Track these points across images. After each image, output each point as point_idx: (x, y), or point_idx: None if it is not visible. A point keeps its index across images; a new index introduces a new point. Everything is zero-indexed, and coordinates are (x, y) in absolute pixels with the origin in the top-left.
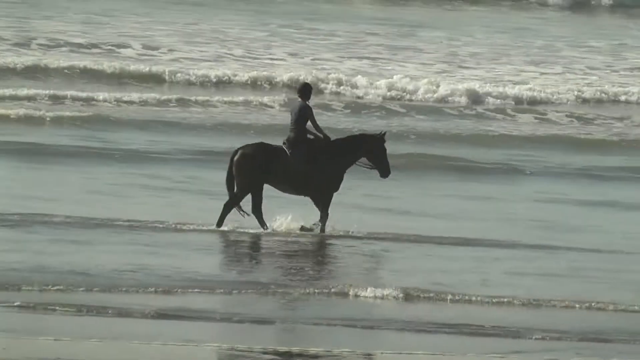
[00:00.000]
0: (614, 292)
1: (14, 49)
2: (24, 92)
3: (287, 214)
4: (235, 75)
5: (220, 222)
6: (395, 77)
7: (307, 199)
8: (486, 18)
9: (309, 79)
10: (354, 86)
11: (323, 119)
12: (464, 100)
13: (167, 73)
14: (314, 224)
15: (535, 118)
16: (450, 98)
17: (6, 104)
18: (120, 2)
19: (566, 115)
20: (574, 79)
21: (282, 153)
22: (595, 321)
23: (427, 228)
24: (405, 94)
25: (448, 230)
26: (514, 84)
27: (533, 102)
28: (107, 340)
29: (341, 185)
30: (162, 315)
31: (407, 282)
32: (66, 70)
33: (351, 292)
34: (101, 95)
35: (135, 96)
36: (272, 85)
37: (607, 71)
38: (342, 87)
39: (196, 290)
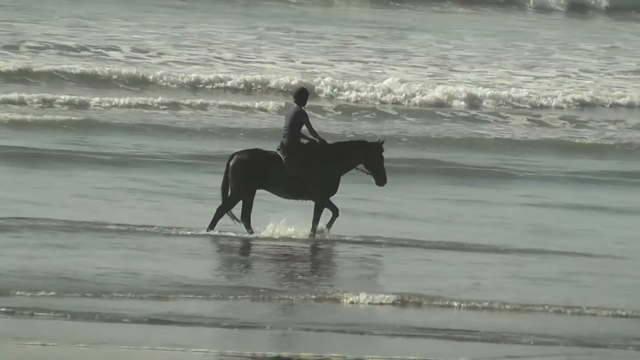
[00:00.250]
0: (607, 297)
1: (2, 52)
2: (10, 95)
3: (280, 218)
4: (224, 79)
5: (212, 226)
6: (385, 81)
7: (302, 203)
8: (477, 21)
9: (296, 82)
10: (345, 89)
11: (314, 123)
12: (456, 103)
13: (155, 76)
14: (324, 227)
15: (528, 121)
16: (442, 101)
17: None
18: (106, 5)
19: (559, 118)
20: (567, 82)
21: (277, 159)
22: (588, 326)
23: (418, 232)
24: (396, 97)
25: (440, 235)
26: (507, 87)
27: (525, 105)
28: (95, 345)
29: (338, 188)
30: (150, 320)
31: (398, 287)
32: (55, 73)
33: (342, 297)
34: (89, 99)
35: (123, 100)
36: (262, 88)
37: (601, 74)
38: (333, 90)
39: (185, 295)
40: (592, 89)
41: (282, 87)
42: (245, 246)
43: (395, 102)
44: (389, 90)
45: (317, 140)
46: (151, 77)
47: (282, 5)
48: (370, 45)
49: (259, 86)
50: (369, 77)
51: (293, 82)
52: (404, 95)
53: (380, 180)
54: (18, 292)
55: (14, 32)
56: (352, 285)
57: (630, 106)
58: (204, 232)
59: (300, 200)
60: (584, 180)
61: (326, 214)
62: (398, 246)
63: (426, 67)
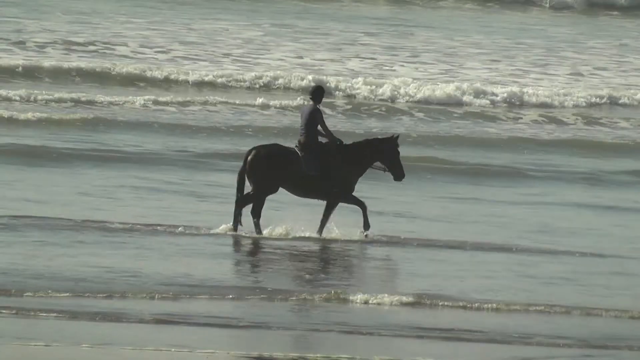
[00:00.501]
0: (617, 297)
1: (7, 48)
2: (15, 92)
3: (287, 217)
4: (231, 76)
5: (235, 223)
6: (395, 78)
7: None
8: (483, 18)
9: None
10: (353, 87)
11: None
12: (466, 101)
13: (161, 73)
14: (362, 232)
15: (539, 119)
16: (451, 99)
17: None
18: (110, 3)
19: (572, 114)
20: (580, 80)
21: (295, 155)
22: (598, 327)
23: (427, 232)
24: (404, 94)
25: (449, 234)
26: (518, 85)
27: (536, 103)
28: (99, 346)
29: (355, 187)
30: (154, 320)
31: (406, 287)
32: (58, 70)
33: (349, 297)
34: (93, 97)
35: (127, 97)
36: (271, 85)
37: (614, 72)
38: (343, 87)
39: (190, 295)
40: (605, 87)
41: (291, 85)
42: (253, 245)
43: (405, 99)
44: (399, 87)
45: (331, 139)
46: (158, 74)
47: (285, 1)
48: (378, 42)
49: (268, 83)
50: (379, 74)
51: (303, 79)
52: (413, 92)
53: (398, 175)
54: (21, 292)
55: (19, 28)
56: (359, 285)
57: None
58: (206, 231)
59: (310, 199)
60: (594, 179)
61: (334, 214)
62: (406, 245)
63: (436, 64)
